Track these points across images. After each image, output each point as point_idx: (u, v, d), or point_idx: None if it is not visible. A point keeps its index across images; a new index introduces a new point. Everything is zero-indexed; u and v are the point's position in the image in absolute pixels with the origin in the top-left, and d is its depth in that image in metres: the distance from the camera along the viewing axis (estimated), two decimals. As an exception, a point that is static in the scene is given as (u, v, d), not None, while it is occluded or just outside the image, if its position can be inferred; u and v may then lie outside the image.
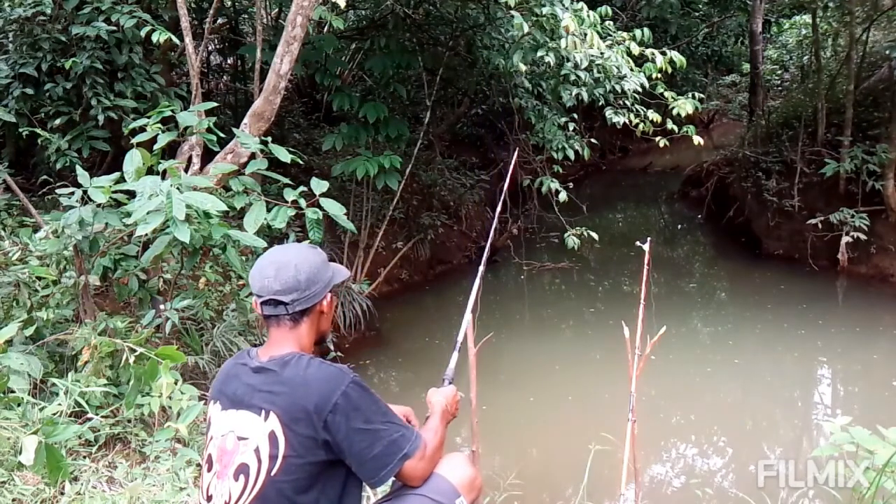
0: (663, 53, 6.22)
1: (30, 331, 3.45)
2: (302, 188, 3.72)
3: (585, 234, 7.18)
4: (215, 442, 1.70)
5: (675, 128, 6.39)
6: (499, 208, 3.36)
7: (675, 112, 6.31)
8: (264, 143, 3.87)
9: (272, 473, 1.59)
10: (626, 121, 6.68)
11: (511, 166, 3.70)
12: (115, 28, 5.26)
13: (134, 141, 3.54)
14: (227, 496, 1.63)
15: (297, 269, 1.71)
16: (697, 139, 6.47)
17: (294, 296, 1.71)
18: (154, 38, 4.90)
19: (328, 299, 1.79)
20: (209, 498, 1.68)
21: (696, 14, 14.36)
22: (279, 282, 1.70)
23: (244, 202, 3.65)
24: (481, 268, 2.79)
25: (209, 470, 1.70)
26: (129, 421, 3.26)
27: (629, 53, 6.26)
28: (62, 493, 2.77)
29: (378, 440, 1.65)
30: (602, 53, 6.12)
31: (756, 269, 9.40)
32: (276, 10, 9.08)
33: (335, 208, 3.67)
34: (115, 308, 4.25)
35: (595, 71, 6.37)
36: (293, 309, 1.72)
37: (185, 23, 5.12)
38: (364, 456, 1.64)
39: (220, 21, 8.72)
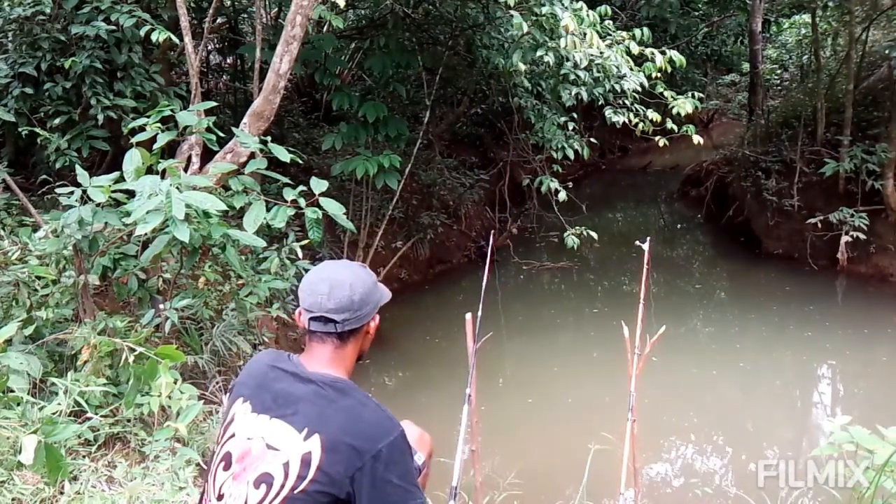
0: (663, 53, 6.22)
1: (29, 330, 3.45)
2: (301, 187, 3.72)
3: (585, 233, 7.18)
4: (237, 442, 1.67)
5: (675, 127, 6.39)
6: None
7: (674, 111, 6.32)
8: (264, 142, 3.87)
9: (295, 492, 1.57)
10: (626, 120, 6.68)
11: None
12: (114, 27, 5.25)
13: (133, 140, 3.54)
14: (243, 502, 1.62)
15: (351, 289, 1.70)
16: (697, 138, 6.47)
17: (346, 315, 1.69)
18: (153, 37, 4.90)
19: (375, 321, 1.79)
20: (220, 496, 1.67)
21: (696, 13, 14.37)
22: (333, 300, 1.68)
23: (243, 201, 3.65)
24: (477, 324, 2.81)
25: (225, 469, 1.67)
26: (129, 420, 3.25)
27: (629, 53, 6.26)
28: (62, 493, 2.77)
29: (403, 501, 1.62)
30: (601, 53, 6.11)
31: (756, 268, 9.41)
32: (276, 9, 9.07)
33: (334, 207, 3.67)
34: (115, 307, 4.24)
35: (594, 70, 6.37)
36: (343, 328, 1.70)
37: (184, 22, 5.12)
38: None
39: (219, 20, 8.71)
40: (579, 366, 6.70)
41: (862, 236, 8.18)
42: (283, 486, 1.58)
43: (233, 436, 1.69)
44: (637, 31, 6.35)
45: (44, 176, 5.26)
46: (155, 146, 3.54)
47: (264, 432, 1.64)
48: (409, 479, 1.64)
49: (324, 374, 1.68)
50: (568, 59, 6.21)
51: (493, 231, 4.53)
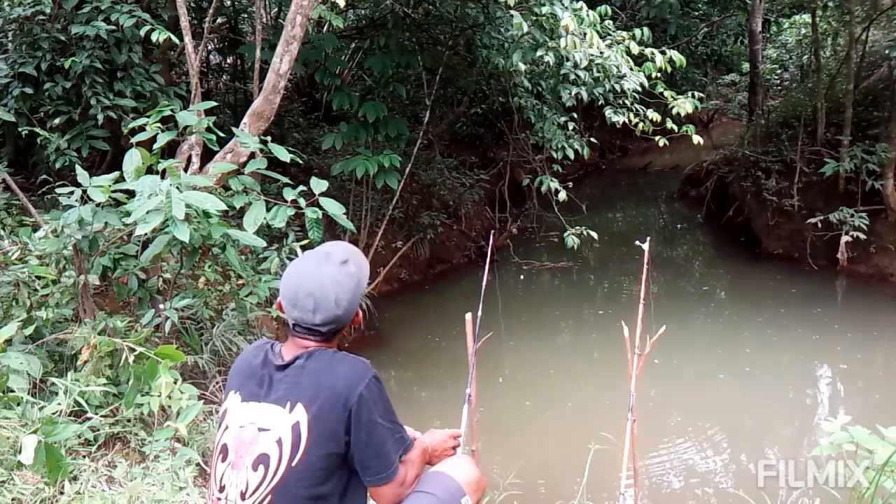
0: (663, 53, 6.22)
1: (29, 330, 3.45)
2: (301, 187, 3.72)
3: (585, 233, 7.17)
4: (231, 432, 1.70)
5: (675, 127, 6.39)
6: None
7: (674, 111, 6.32)
8: (264, 142, 3.87)
9: (293, 464, 1.61)
10: (626, 120, 6.68)
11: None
12: (114, 27, 5.25)
13: (133, 140, 3.54)
14: (245, 486, 1.63)
15: (336, 303, 1.71)
16: (697, 138, 6.47)
17: (332, 326, 1.73)
18: (153, 37, 4.89)
19: (359, 315, 1.83)
20: (222, 489, 1.68)
21: (696, 13, 14.37)
22: (320, 316, 1.70)
23: (243, 201, 3.65)
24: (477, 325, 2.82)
25: (223, 460, 1.69)
26: (129, 420, 3.25)
27: (629, 53, 6.26)
28: (62, 493, 2.77)
29: (390, 435, 1.71)
30: (601, 53, 6.12)
31: (756, 268, 9.40)
32: (276, 9, 9.08)
33: (334, 207, 3.67)
34: (115, 307, 4.25)
35: (594, 70, 6.37)
36: (328, 331, 1.74)
37: (184, 22, 5.12)
38: (380, 448, 1.68)
39: (219, 20, 8.72)
40: (579, 366, 6.70)
41: (862, 236, 8.18)
42: (280, 462, 1.62)
43: (227, 428, 1.73)
44: (637, 31, 6.35)
45: (44, 176, 5.26)
46: (155, 146, 3.54)
47: (254, 418, 1.68)
48: (390, 414, 1.72)
49: (297, 354, 1.72)
50: (568, 59, 6.22)
51: (493, 231, 4.54)
